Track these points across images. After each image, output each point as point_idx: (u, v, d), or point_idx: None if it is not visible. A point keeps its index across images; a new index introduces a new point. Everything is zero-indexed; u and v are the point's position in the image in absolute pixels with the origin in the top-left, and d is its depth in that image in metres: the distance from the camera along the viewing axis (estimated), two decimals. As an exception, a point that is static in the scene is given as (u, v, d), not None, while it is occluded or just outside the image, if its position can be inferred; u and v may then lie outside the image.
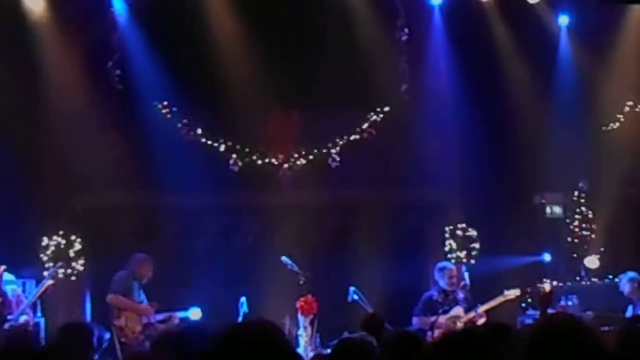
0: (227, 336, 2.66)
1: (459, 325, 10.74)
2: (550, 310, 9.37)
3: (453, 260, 13.05)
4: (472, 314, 10.80)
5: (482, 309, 10.86)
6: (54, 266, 10.80)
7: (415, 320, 10.96)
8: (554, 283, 13.09)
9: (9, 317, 9.87)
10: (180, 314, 10.99)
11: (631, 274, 11.14)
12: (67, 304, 12.14)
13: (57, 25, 12.23)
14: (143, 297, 11.14)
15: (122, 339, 10.64)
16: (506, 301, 11.12)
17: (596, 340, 3.16)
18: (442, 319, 10.74)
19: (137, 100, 12.55)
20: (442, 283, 11.20)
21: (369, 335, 7.83)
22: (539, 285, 10.64)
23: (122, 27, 12.60)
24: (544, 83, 13.63)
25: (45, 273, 11.86)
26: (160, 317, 10.95)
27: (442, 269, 11.38)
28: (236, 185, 12.92)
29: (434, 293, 11.27)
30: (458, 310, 10.98)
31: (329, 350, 9.72)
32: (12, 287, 10.32)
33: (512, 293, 11.17)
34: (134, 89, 12.51)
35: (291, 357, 2.76)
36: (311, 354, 9.78)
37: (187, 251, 12.72)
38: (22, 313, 10.16)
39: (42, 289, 10.71)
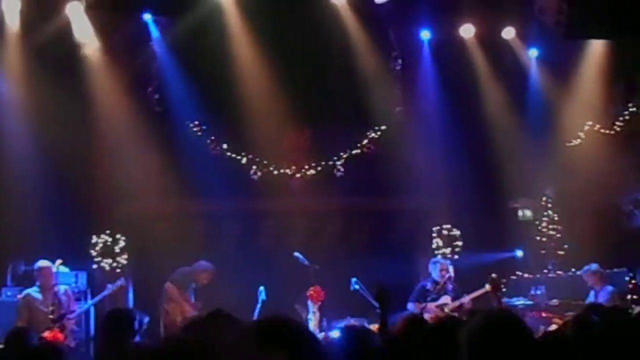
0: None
1: (446, 311, 10.78)
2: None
3: (440, 256, 13.12)
4: (457, 302, 10.78)
5: (467, 298, 10.83)
6: (114, 282, 10.65)
7: (410, 305, 10.93)
8: (525, 275, 13.19)
9: (69, 315, 9.75)
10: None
11: (594, 266, 11.16)
12: (113, 293, 12.18)
13: (104, 56, 12.19)
14: (192, 296, 11.14)
15: (165, 322, 10.67)
16: (487, 292, 11.15)
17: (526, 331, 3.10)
18: (431, 305, 10.78)
19: (172, 120, 12.59)
20: (435, 275, 11.20)
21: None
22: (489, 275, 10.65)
23: (160, 58, 12.62)
24: (517, 106, 13.63)
25: (95, 267, 12.06)
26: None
27: (435, 263, 11.40)
28: (256, 192, 12.91)
29: (427, 283, 11.27)
30: (446, 299, 10.96)
31: (334, 332, 9.92)
32: (64, 286, 10.12)
33: (492, 286, 11.16)
34: (170, 110, 12.55)
35: None
36: (320, 335, 9.80)
37: (214, 248, 12.65)
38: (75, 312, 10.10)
39: (99, 297, 10.58)
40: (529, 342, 3.02)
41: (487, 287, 9.32)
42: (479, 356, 3.00)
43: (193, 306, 10.84)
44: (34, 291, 9.80)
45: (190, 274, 11.08)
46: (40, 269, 9.83)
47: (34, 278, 10.11)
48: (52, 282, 9.82)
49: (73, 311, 9.86)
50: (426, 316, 10.00)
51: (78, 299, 10.57)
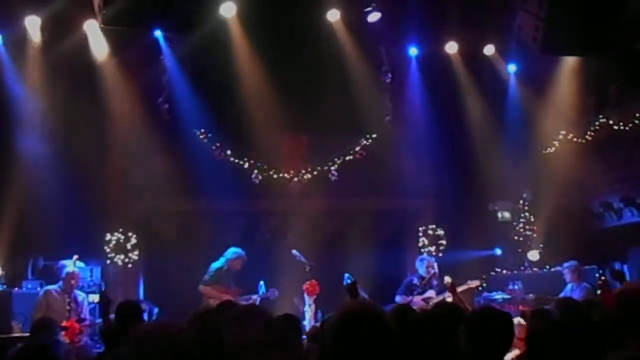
0: None
1: (431, 304, 10.79)
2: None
3: (426, 254, 13.18)
4: (441, 297, 10.67)
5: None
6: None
7: (397, 298, 10.93)
8: (504, 271, 13.24)
9: (85, 318, 9.69)
10: (260, 294, 10.90)
11: (574, 263, 11.09)
12: (124, 286, 12.07)
13: (118, 68, 12.21)
14: (232, 283, 11.06)
15: None
16: (469, 288, 11.09)
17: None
18: (417, 299, 10.72)
19: (180, 127, 12.55)
20: (421, 271, 11.19)
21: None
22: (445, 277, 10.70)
23: (169, 71, 12.59)
24: (497, 116, 13.69)
25: (109, 262, 12.09)
26: (245, 298, 10.76)
27: (422, 260, 11.39)
28: (257, 194, 12.92)
29: (413, 278, 11.27)
30: (431, 293, 10.96)
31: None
32: (82, 295, 10.08)
33: (474, 282, 11.12)
34: (179, 119, 12.52)
35: None
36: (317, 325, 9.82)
37: (218, 245, 12.76)
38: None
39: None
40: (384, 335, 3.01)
41: (448, 283, 9.30)
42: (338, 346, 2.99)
43: (233, 293, 10.72)
44: (54, 289, 9.78)
45: (221, 266, 10.97)
46: (67, 273, 9.80)
47: (55, 275, 10.16)
48: (73, 288, 9.80)
49: (85, 319, 9.81)
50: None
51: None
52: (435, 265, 11.32)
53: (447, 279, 9.28)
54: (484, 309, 4.48)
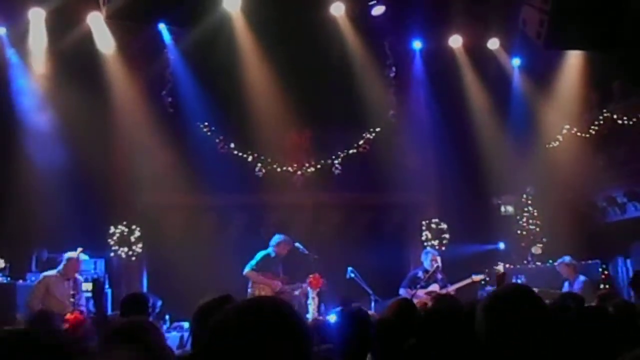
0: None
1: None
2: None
3: (429, 248, 13.18)
4: (444, 291, 10.61)
5: (453, 287, 10.83)
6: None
7: (401, 290, 10.84)
8: (507, 266, 13.22)
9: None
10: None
11: (567, 258, 11.09)
12: (128, 278, 12.14)
13: (123, 62, 12.27)
14: (280, 270, 10.98)
15: None
16: (473, 282, 11.08)
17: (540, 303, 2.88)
18: (421, 292, 10.67)
19: (184, 121, 12.61)
20: (426, 264, 11.10)
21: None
22: (494, 267, 10.65)
23: (173, 64, 12.68)
24: (501, 110, 13.69)
25: (112, 254, 12.11)
26: (292, 286, 10.84)
27: (427, 253, 11.31)
28: (260, 188, 12.93)
29: (418, 271, 11.20)
30: (434, 287, 10.86)
31: (331, 316, 9.93)
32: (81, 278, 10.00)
33: (478, 277, 11.10)
34: (182, 112, 12.57)
35: None
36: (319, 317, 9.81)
37: (222, 238, 12.73)
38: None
39: None
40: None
41: (499, 272, 9.29)
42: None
43: (282, 281, 10.75)
44: (53, 274, 9.69)
45: (268, 253, 10.86)
46: (68, 259, 9.80)
47: (58, 265, 10.18)
48: (75, 273, 9.79)
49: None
50: (415, 301, 10.01)
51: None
52: (439, 259, 11.28)
53: (499, 268, 9.27)
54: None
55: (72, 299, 9.42)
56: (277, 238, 10.93)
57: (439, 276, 11.09)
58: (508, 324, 2.75)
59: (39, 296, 9.43)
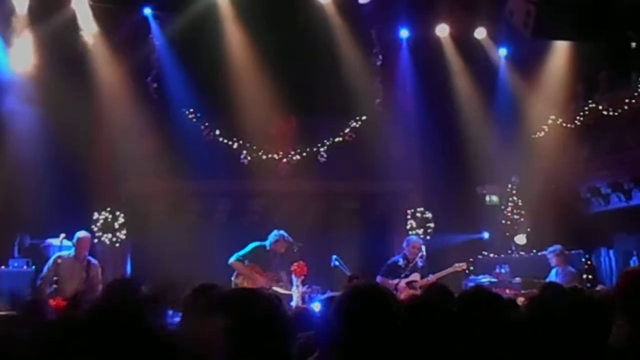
0: None
1: (416, 287, 10.68)
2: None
3: (412, 235, 13.17)
4: (425, 280, 10.49)
5: (435, 276, 10.59)
6: None
7: (379, 278, 10.58)
8: (491, 255, 13.26)
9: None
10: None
11: (558, 247, 11.00)
12: (113, 265, 11.98)
13: (107, 48, 12.17)
14: (275, 266, 10.56)
15: None
16: (455, 271, 10.94)
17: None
18: (402, 282, 10.55)
19: (169, 107, 12.56)
20: (407, 252, 10.91)
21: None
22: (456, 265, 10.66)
23: (158, 50, 12.61)
24: (487, 100, 13.70)
25: (96, 241, 12.03)
26: (279, 284, 10.39)
27: (409, 241, 11.10)
28: (245, 175, 12.82)
29: (399, 259, 10.83)
30: (415, 276, 10.66)
31: (315, 304, 9.90)
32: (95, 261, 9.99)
33: (460, 265, 10.98)
34: (167, 98, 12.52)
35: None
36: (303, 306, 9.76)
37: (206, 225, 12.71)
38: None
39: None
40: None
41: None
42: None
43: (268, 276, 10.41)
44: (65, 256, 9.71)
45: (263, 247, 10.53)
46: (77, 239, 9.79)
47: (42, 254, 10.12)
48: (85, 252, 9.80)
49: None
50: (400, 295, 9.90)
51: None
52: (423, 247, 11.20)
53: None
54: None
55: (82, 282, 9.38)
56: (275, 234, 10.59)
57: (420, 264, 10.89)
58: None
59: (48, 278, 9.47)
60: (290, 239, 10.59)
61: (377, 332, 2.82)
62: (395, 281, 10.54)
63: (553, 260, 11.04)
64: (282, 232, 10.62)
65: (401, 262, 10.87)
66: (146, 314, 1.61)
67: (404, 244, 11.18)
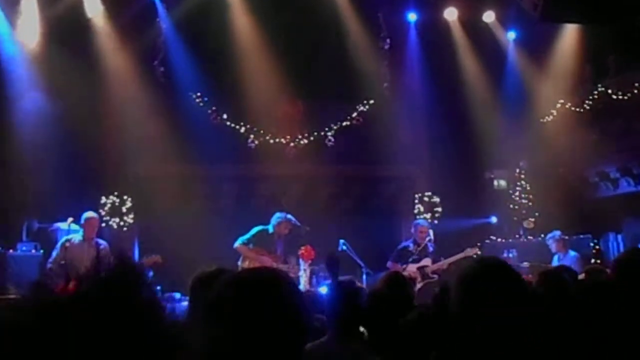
0: None
1: (428, 272, 10.71)
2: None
3: (420, 219, 13.18)
4: (438, 265, 10.65)
5: (446, 261, 10.71)
6: None
7: (389, 264, 10.69)
8: (499, 239, 13.26)
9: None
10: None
11: (557, 233, 11.09)
12: (120, 249, 12.17)
13: (114, 31, 12.19)
14: (279, 249, 10.68)
15: None
16: (466, 257, 10.83)
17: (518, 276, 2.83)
18: (412, 267, 10.60)
19: (176, 91, 12.53)
20: (415, 236, 10.98)
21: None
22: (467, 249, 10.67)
23: (165, 33, 12.59)
24: (495, 84, 13.64)
25: (104, 225, 12.04)
26: (286, 266, 10.38)
27: (416, 225, 11.19)
28: (253, 159, 12.87)
29: (409, 244, 10.98)
30: (427, 261, 10.74)
31: (322, 287, 9.93)
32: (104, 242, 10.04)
33: (472, 250, 10.94)
34: (174, 82, 12.50)
35: None
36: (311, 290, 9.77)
37: (213, 209, 12.70)
38: None
39: None
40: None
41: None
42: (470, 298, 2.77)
43: (274, 258, 10.43)
44: (73, 238, 9.73)
45: (265, 230, 10.57)
46: (85, 219, 9.80)
47: (50, 237, 10.13)
48: (93, 233, 9.82)
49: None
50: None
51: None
52: (431, 231, 11.22)
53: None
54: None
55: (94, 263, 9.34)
56: (277, 217, 10.62)
57: (431, 249, 10.98)
58: (482, 296, 2.69)
59: (57, 260, 9.49)
60: (293, 220, 10.61)
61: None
62: (404, 266, 10.55)
63: (553, 247, 11.10)
64: (284, 213, 10.65)
65: (411, 246, 10.95)
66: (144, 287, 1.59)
67: (412, 229, 11.20)
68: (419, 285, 10.31)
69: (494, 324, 2.64)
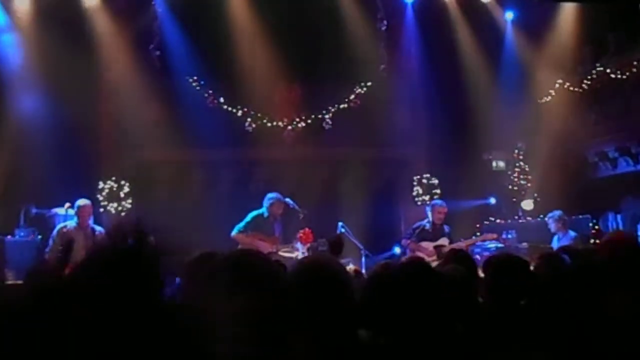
0: None
1: (444, 251, 10.71)
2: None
3: (419, 203, 13.23)
4: (456, 245, 10.40)
5: (465, 242, 10.81)
6: None
7: (404, 241, 10.90)
8: (498, 221, 13.29)
9: None
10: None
11: (557, 212, 11.06)
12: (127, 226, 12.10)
13: (109, 15, 12.14)
14: (277, 230, 10.63)
15: None
16: (484, 240, 11.08)
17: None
18: (429, 244, 10.68)
19: (172, 75, 12.51)
20: (432, 217, 10.95)
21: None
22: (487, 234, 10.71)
23: (161, 17, 12.51)
24: (493, 65, 13.55)
25: (102, 210, 12.09)
26: (284, 247, 10.43)
27: (433, 205, 11.16)
28: (250, 143, 12.86)
29: (425, 223, 10.94)
30: (444, 240, 10.76)
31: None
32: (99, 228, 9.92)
33: (491, 235, 11.13)
34: (170, 66, 12.46)
35: None
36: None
37: (211, 193, 12.73)
38: None
39: None
40: None
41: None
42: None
43: (272, 241, 10.39)
44: (70, 226, 9.73)
45: (260, 214, 10.54)
46: (78, 207, 9.79)
47: (47, 223, 10.14)
48: (88, 220, 9.80)
49: None
50: (419, 254, 10.00)
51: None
52: (429, 213, 11.19)
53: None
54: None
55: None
56: (269, 197, 10.59)
57: (446, 230, 11.01)
58: None
59: (54, 249, 9.47)
60: (291, 204, 10.59)
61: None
62: (418, 243, 10.62)
63: (553, 226, 11.07)
64: (275, 193, 10.64)
65: (428, 226, 10.96)
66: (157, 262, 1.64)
67: (428, 209, 11.19)
68: (434, 264, 10.34)
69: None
